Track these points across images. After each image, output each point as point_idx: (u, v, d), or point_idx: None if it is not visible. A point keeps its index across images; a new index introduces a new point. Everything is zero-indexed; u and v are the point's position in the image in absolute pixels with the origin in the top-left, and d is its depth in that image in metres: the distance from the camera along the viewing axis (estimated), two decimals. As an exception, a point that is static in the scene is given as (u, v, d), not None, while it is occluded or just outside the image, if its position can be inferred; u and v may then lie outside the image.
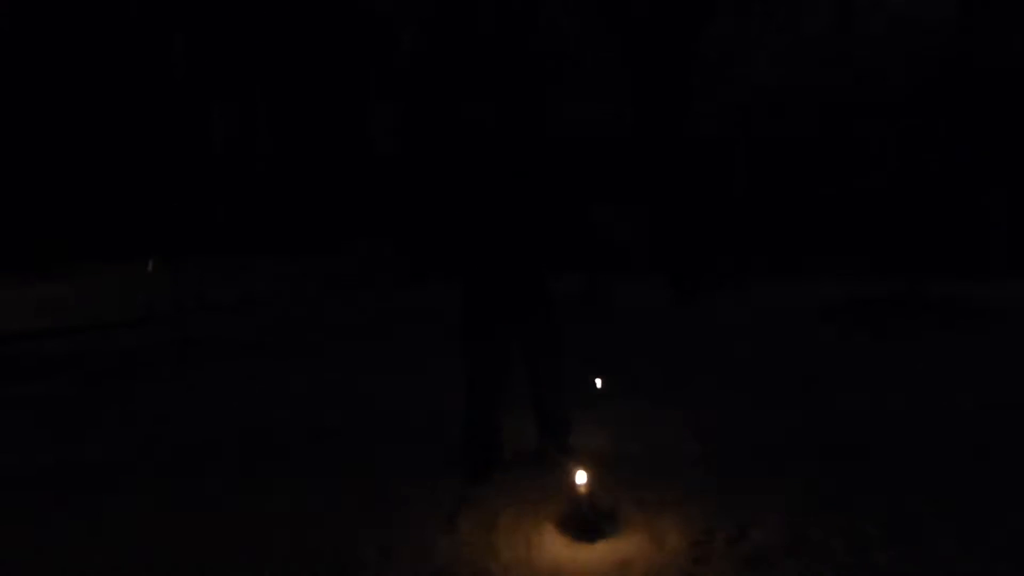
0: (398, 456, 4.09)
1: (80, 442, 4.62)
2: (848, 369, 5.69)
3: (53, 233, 11.98)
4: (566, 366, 3.95)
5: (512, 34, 15.12)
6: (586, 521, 3.16)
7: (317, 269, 11.15)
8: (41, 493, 3.82)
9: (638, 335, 7.02)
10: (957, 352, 6.08)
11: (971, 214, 9.43)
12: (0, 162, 12.44)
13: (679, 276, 8.50)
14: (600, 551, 3.03)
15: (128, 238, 12.09)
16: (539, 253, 3.75)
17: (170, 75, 13.42)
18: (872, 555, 2.91)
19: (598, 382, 4.81)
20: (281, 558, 3.08)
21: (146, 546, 3.21)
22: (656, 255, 9.01)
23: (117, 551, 3.18)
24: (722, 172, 11.45)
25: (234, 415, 5.06)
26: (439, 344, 5.64)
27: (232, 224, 12.84)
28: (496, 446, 3.85)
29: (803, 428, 4.34)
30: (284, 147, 14.42)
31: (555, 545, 3.10)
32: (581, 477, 3.21)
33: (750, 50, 13.59)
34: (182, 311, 8.40)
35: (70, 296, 9.84)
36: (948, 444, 4.02)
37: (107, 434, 4.75)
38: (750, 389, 5.18)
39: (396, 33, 15.09)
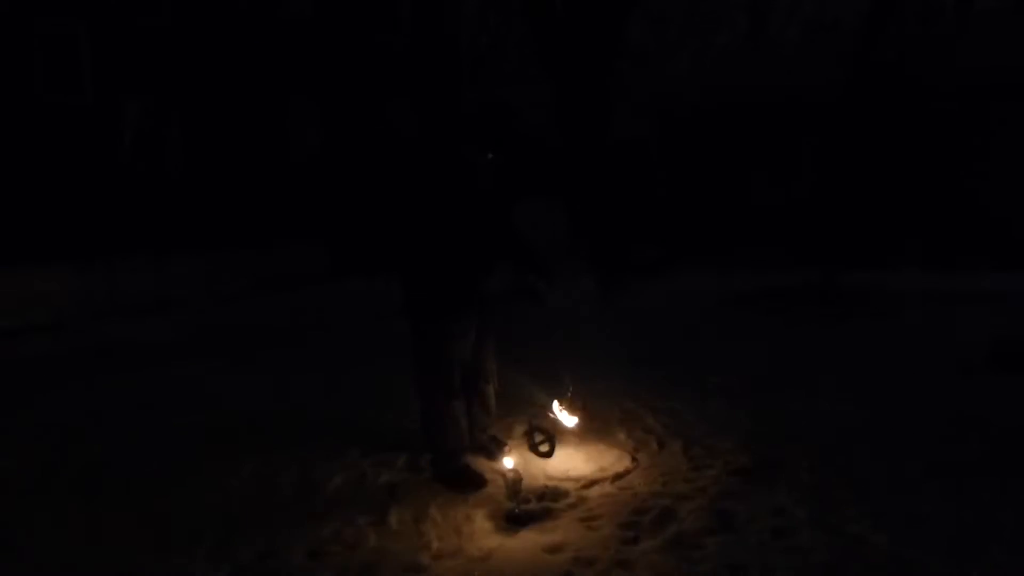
0: (325, 452, 4.02)
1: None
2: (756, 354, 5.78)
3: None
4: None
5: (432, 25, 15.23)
6: (515, 507, 3.18)
7: (238, 266, 10.77)
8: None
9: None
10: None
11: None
12: None
13: (603, 271, 8.62)
14: (530, 537, 3.05)
15: (33, 239, 11.46)
16: (473, 248, 3.55)
17: (76, 72, 12.88)
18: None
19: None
20: (204, 557, 3.01)
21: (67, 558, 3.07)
22: (582, 250, 9.14)
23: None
24: (644, 170, 11.69)
25: (154, 419, 4.88)
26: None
27: (147, 221, 12.34)
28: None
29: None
30: (200, 143, 14.01)
31: (485, 533, 3.11)
32: (508, 463, 3.22)
33: (668, 55, 13.93)
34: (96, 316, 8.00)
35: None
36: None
37: (13, 449, 4.48)
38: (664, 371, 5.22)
39: (316, 31, 14.92)
